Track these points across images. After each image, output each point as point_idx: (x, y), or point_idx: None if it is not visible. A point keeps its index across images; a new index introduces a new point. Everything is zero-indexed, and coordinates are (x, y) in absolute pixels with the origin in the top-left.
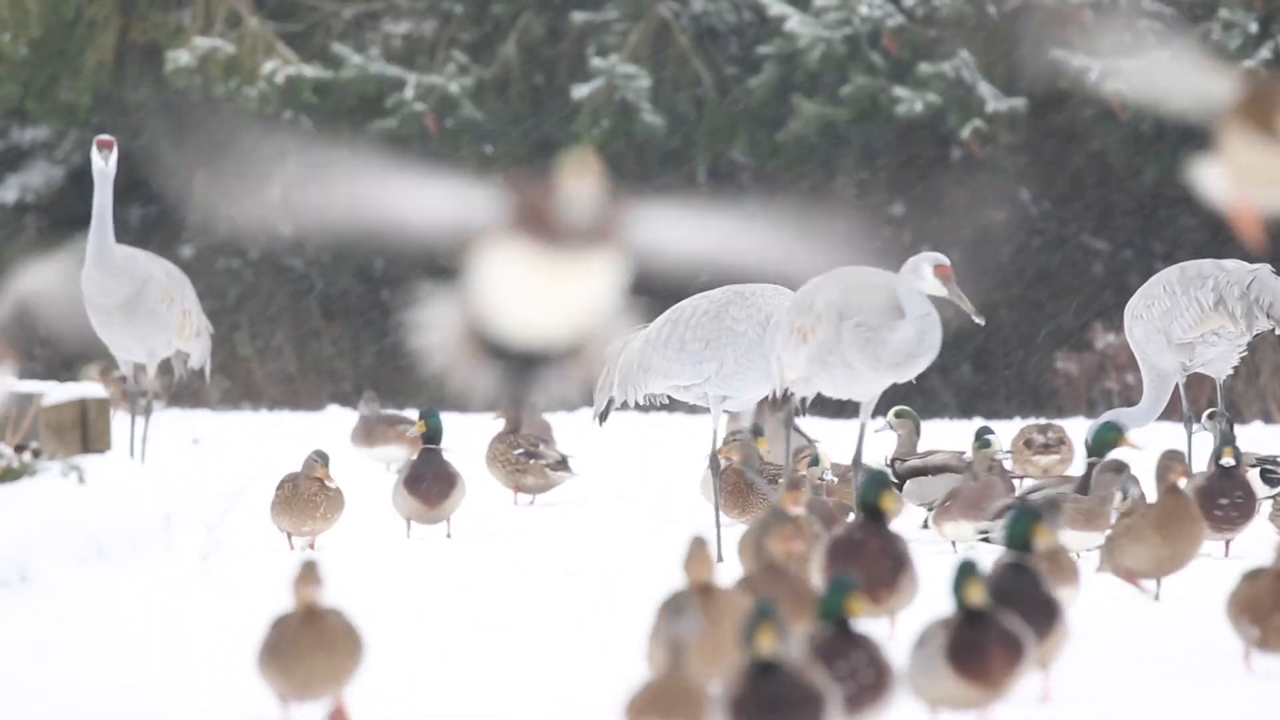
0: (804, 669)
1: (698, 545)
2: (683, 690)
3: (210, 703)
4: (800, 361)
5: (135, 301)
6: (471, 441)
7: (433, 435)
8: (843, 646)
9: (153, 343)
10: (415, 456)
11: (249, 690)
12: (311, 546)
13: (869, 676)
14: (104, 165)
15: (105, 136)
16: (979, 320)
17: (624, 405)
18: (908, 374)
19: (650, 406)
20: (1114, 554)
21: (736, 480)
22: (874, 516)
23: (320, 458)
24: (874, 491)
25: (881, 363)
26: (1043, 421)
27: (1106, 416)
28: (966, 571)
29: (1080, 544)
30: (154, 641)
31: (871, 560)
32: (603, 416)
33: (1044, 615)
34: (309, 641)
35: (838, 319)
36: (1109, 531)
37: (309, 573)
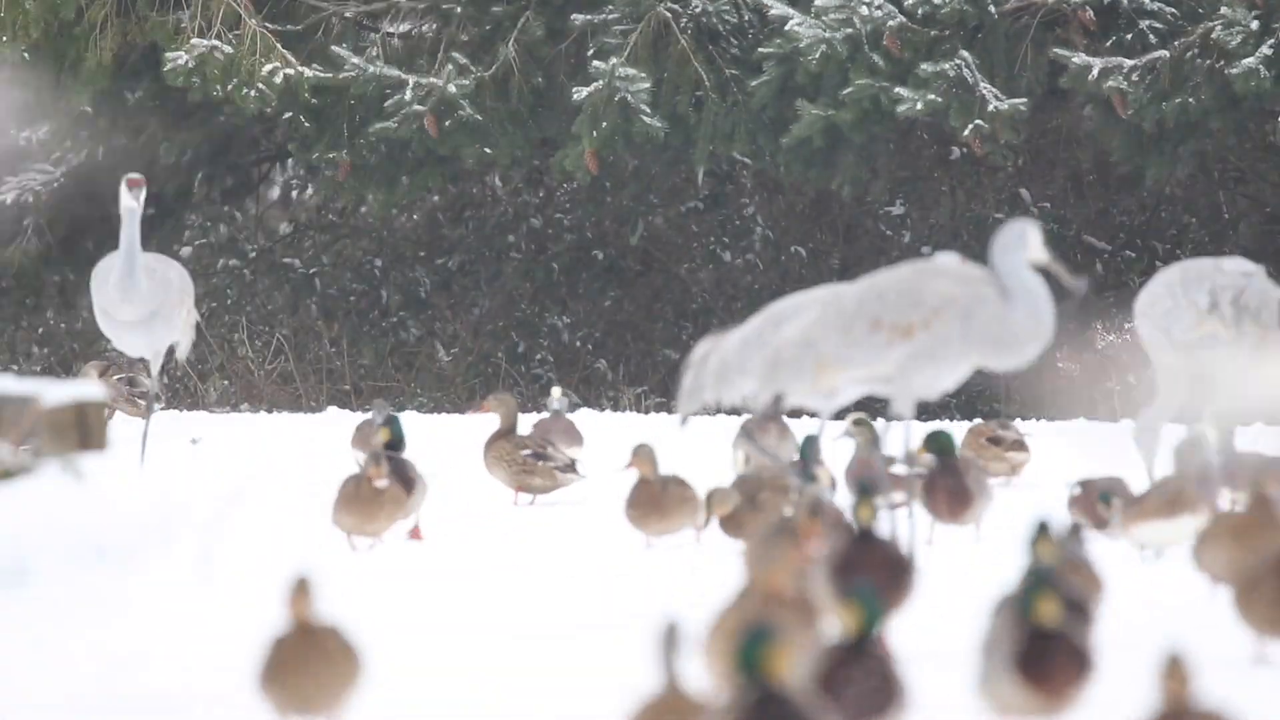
0: (811, 704)
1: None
2: (682, 709)
3: (210, 703)
4: (889, 359)
5: (153, 315)
6: (464, 441)
7: (395, 443)
8: (856, 661)
9: (160, 345)
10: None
11: (249, 691)
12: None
13: (880, 696)
14: (133, 203)
15: (135, 175)
16: (1080, 287)
17: (716, 408)
18: (1023, 360)
19: (651, 407)
20: (1197, 557)
21: (650, 491)
22: (864, 528)
23: (374, 458)
24: (855, 501)
25: (1005, 351)
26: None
27: (1139, 421)
28: (1041, 580)
29: (1177, 532)
30: (153, 642)
31: (872, 573)
32: (685, 419)
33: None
34: (303, 659)
35: (963, 314)
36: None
37: (301, 589)
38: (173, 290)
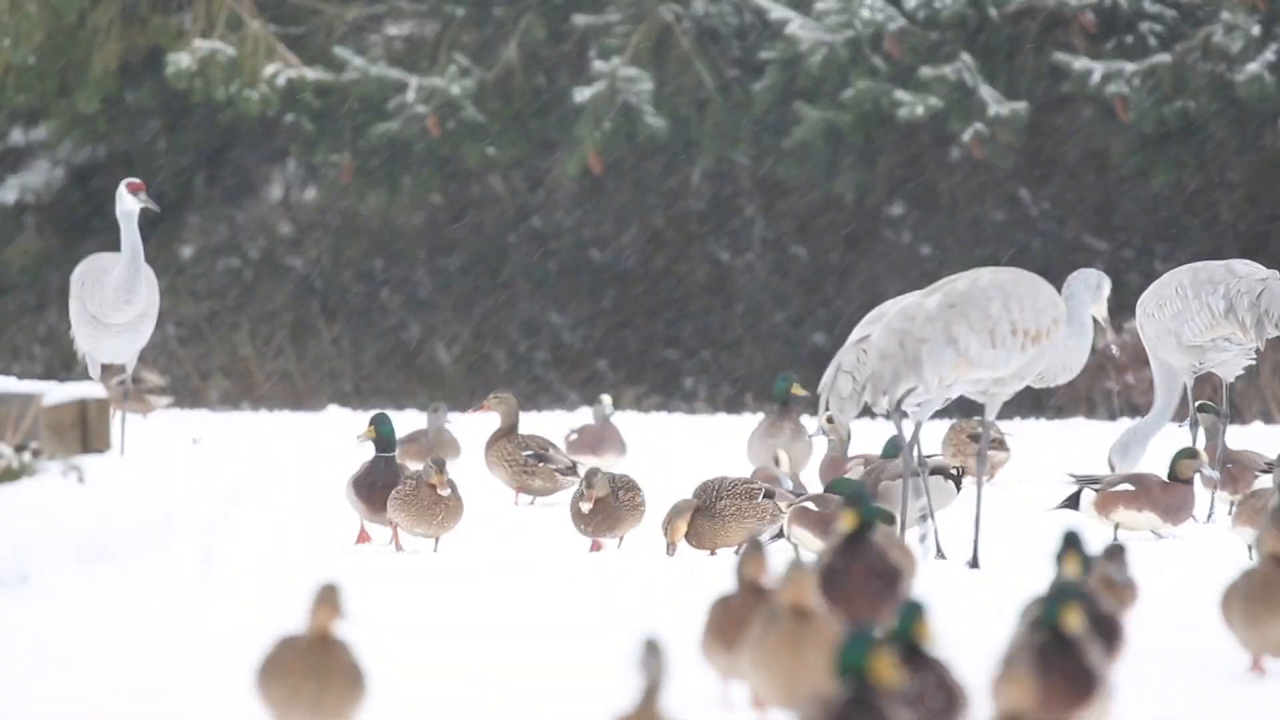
0: (896, 705)
1: (796, 569)
2: None
3: (209, 703)
4: (1012, 363)
5: (142, 317)
6: (465, 441)
7: (385, 442)
8: (912, 669)
9: (139, 346)
10: (368, 461)
11: (248, 691)
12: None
13: (939, 700)
14: (134, 206)
15: (135, 180)
16: (1114, 348)
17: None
18: (1058, 383)
19: (652, 408)
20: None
21: (602, 505)
22: (857, 534)
23: (437, 464)
24: (849, 506)
25: (1056, 373)
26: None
27: (1122, 435)
28: (1066, 594)
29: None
30: (153, 642)
31: (862, 582)
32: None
33: (1103, 636)
34: (308, 669)
35: (1063, 326)
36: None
37: (329, 597)
38: (156, 290)
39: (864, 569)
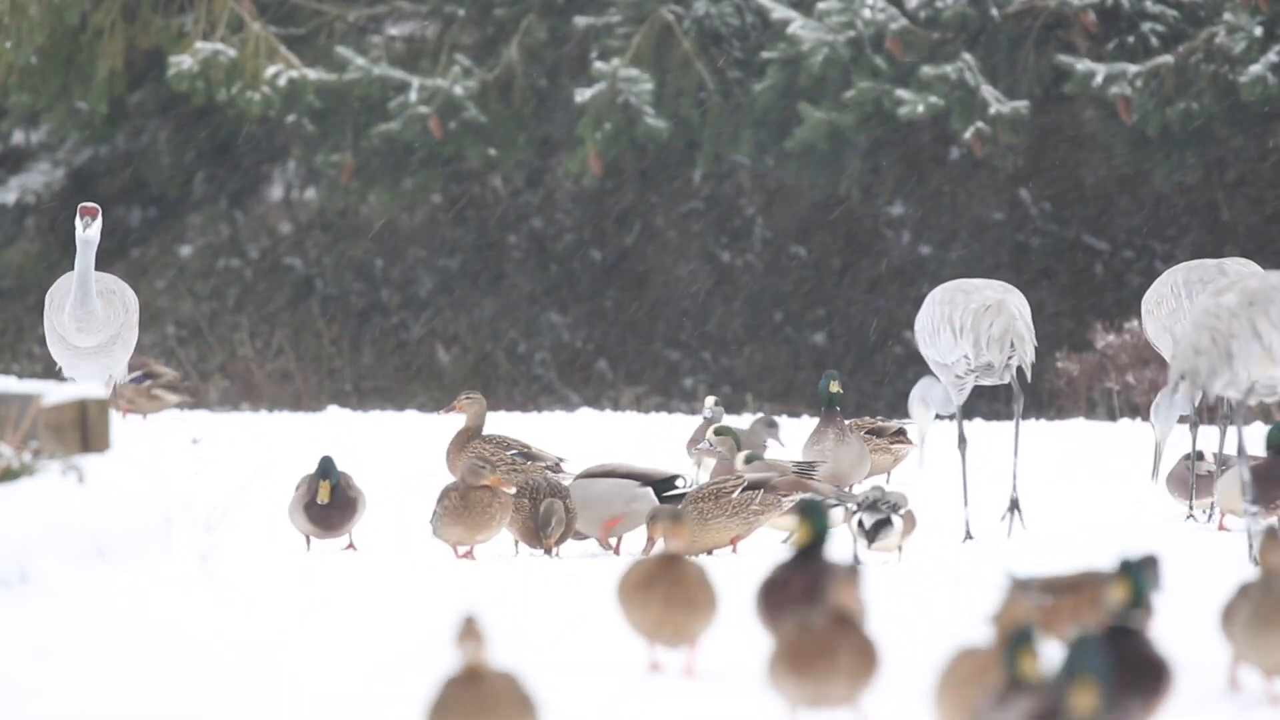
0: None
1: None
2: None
3: (209, 703)
4: None
5: (113, 340)
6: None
7: (329, 474)
8: (1126, 642)
9: (115, 369)
10: (309, 479)
11: (247, 691)
12: (470, 555)
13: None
14: (86, 233)
15: (89, 204)
16: None
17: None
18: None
19: (651, 407)
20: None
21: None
22: (809, 549)
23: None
24: (799, 522)
25: None
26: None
27: (1162, 401)
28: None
29: None
30: (153, 642)
31: (799, 598)
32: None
33: (1151, 678)
34: (470, 705)
35: None
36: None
37: (470, 629)
38: (131, 313)
39: (803, 586)
